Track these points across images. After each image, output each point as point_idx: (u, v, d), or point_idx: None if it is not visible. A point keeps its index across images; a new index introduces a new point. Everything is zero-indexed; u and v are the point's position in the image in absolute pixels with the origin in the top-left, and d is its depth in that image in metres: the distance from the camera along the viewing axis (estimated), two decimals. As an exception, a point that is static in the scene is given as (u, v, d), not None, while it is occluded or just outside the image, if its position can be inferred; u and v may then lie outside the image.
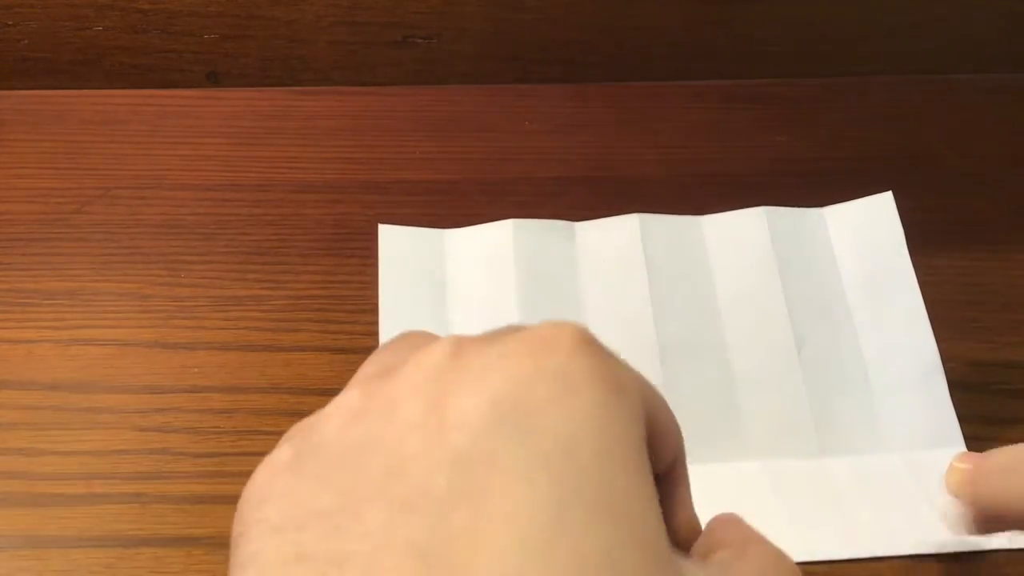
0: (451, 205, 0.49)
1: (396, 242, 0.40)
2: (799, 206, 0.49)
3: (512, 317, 0.36)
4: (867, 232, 0.40)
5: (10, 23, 0.56)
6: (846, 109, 0.57)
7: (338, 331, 0.42)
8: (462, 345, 0.22)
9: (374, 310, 0.42)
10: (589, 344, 0.22)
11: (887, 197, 0.40)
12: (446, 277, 0.39)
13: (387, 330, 0.36)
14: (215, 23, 0.57)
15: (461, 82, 0.59)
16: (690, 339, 0.37)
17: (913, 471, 0.35)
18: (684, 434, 0.32)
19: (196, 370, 0.40)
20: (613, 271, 0.39)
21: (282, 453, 0.23)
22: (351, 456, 0.21)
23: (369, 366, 0.25)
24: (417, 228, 0.40)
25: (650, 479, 0.21)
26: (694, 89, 0.58)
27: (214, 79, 0.58)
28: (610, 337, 0.36)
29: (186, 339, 0.41)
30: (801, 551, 0.32)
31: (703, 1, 0.57)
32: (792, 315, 0.38)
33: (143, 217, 0.48)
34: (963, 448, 0.36)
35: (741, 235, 0.40)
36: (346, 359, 0.40)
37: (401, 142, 0.53)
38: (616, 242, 0.40)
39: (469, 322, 0.37)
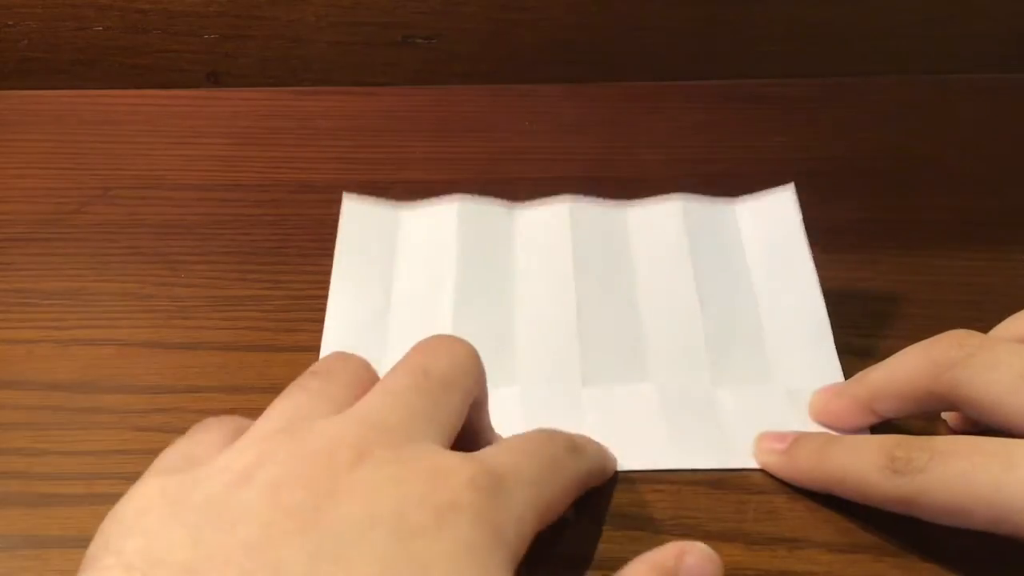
0: (451, 205, 0.49)
1: (357, 213, 0.44)
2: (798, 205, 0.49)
3: (447, 295, 0.41)
4: (771, 221, 0.44)
5: (10, 23, 0.56)
6: (846, 109, 0.57)
7: (338, 331, 0.42)
8: (364, 454, 0.24)
9: (374, 310, 0.42)
10: (479, 486, 0.25)
11: (789, 188, 0.45)
12: (396, 250, 0.44)
13: (336, 299, 0.41)
14: (215, 23, 0.57)
15: (461, 82, 0.59)
16: (605, 303, 0.41)
17: (794, 402, 0.38)
18: (594, 362, 0.38)
19: (196, 370, 0.40)
20: (543, 252, 0.43)
21: (157, 487, 0.25)
22: (225, 519, 0.23)
23: (271, 422, 0.27)
24: (377, 201, 0.45)
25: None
26: (694, 89, 0.58)
27: (214, 79, 0.58)
28: (533, 313, 0.41)
29: (186, 339, 0.41)
30: (675, 459, 0.35)
31: (703, 1, 0.57)
32: (698, 285, 0.42)
33: (143, 217, 0.48)
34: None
35: (659, 222, 0.45)
36: (346, 359, 0.40)
37: (401, 142, 0.53)
38: (548, 225, 0.44)
39: (409, 299, 0.41)
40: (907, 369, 0.34)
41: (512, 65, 0.58)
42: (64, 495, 0.34)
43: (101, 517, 0.32)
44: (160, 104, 0.56)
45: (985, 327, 0.42)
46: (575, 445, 0.32)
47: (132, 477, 0.26)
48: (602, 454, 0.35)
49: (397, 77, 0.59)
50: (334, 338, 0.40)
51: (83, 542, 0.32)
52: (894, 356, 0.35)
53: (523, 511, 0.26)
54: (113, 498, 0.26)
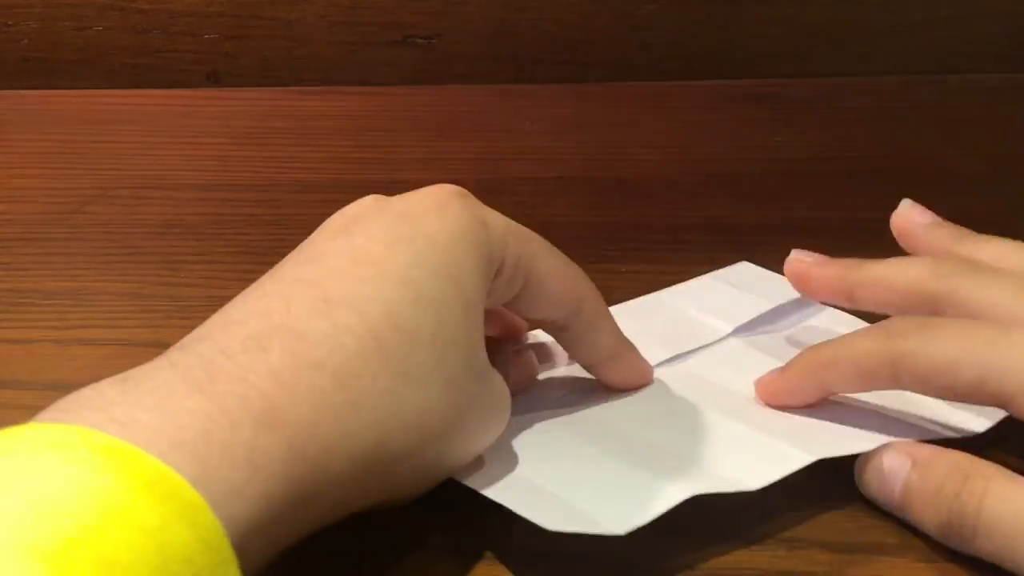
0: (451, 205, 0.49)
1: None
2: (798, 206, 0.49)
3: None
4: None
5: (10, 23, 0.56)
6: (846, 109, 0.57)
7: (338, 331, 0.42)
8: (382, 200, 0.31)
9: (374, 310, 0.42)
10: (464, 192, 0.31)
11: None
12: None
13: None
14: (215, 23, 0.57)
15: (461, 82, 0.59)
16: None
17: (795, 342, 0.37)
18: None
19: (196, 370, 0.40)
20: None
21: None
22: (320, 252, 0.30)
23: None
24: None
25: (485, 277, 0.29)
26: (694, 89, 0.58)
27: (214, 79, 0.58)
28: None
29: (186, 339, 0.41)
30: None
31: (703, 1, 0.57)
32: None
33: (142, 217, 0.48)
34: None
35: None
36: (346, 359, 0.40)
37: (401, 142, 0.53)
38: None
39: None
40: (863, 336, 0.33)
41: (512, 65, 0.59)
42: (64, 495, 0.34)
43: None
44: (160, 104, 0.56)
45: (985, 327, 0.42)
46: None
47: (132, 477, 0.26)
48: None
49: (397, 77, 0.59)
50: None
51: (83, 542, 0.32)
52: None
53: (506, 227, 0.30)
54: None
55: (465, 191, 0.31)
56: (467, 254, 0.29)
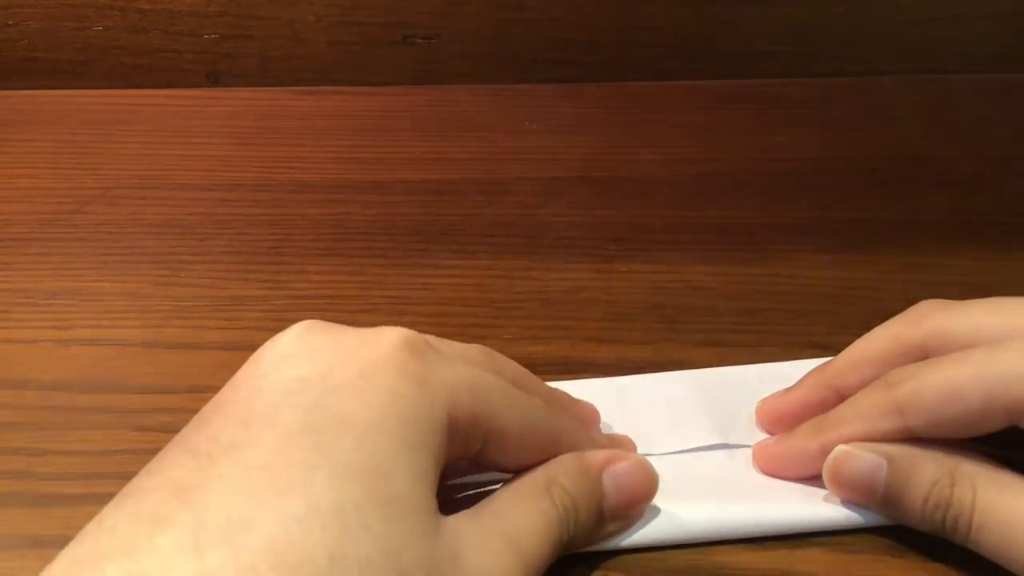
0: (451, 205, 0.49)
1: None
2: (798, 206, 0.49)
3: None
4: None
5: (10, 23, 0.56)
6: (846, 109, 0.57)
7: (338, 331, 0.42)
8: (311, 328, 0.27)
9: (374, 310, 0.42)
10: (408, 344, 0.26)
11: None
12: None
13: None
14: (215, 23, 0.57)
15: (461, 82, 0.59)
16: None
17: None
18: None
19: (196, 370, 0.40)
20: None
21: None
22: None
23: None
24: None
25: (424, 454, 0.24)
26: (694, 89, 0.58)
27: (214, 79, 0.58)
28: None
29: (186, 339, 0.41)
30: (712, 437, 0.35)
31: (703, 1, 0.57)
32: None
33: (143, 217, 0.48)
34: None
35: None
36: (346, 359, 0.40)
37: (401, 142, 0.53)
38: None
39: None
40: (864, 394, 0.32)
41: (512, 65, 0.59)
42: (64, 495, 0.34)
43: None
44: (160, 104, 0.56)
45: (985, 327, 0.42)
46: (555, 398, 0.33)
47: (132, 477, 0.26)
48: (596, 441, 0.32)
49: (397, 77, 0.59)
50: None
51: (83, 542, 0.32)
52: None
53: (456, 381, 0.26)
54: (112, 498, 0.26)
55: (416, 338, 0.27)
56: (392, 435, 0.24)
